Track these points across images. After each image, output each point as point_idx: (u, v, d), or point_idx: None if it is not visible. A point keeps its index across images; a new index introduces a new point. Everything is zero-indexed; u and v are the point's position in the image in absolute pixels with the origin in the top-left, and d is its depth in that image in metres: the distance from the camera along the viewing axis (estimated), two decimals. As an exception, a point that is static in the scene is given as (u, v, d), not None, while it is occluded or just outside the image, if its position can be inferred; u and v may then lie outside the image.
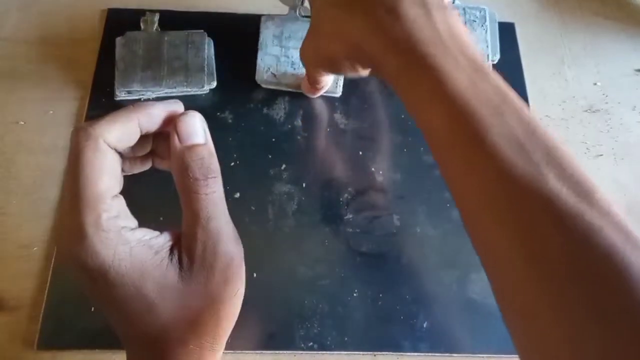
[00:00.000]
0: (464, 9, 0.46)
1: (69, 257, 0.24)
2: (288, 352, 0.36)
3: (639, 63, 0.49)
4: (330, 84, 0.42)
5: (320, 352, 0.36)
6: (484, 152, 0.24)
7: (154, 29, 0.46)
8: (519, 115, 0.25)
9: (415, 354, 0.36)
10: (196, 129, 0.26)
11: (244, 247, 0.28)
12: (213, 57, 0.45)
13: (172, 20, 0.47)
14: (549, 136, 0.25)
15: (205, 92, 0.44)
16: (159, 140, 0.29)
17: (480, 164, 0.25)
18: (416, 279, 0.39)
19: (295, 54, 0.44)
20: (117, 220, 0.24)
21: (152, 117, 0.26)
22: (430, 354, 0.36)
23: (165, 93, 0.44)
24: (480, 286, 0.38)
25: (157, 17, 0.46)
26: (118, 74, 0.43)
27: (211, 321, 0.25)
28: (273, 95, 0.45)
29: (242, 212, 0.40)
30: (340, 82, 0.44)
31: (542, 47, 0.50)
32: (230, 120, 0.44)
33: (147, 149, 0.29)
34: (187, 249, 0.25)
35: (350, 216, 0.40)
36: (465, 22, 0.45)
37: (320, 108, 0.45)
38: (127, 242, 0.24)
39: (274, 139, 0.43)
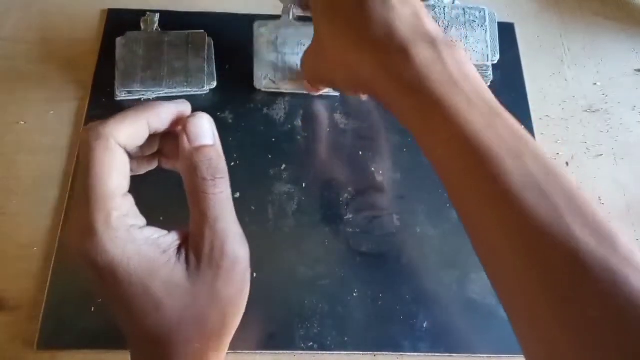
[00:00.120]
0: (463, 9, 0.46)
1: (79, 254, 0.24)
2: (288, 352, 0.36)
3: (639, 63, 0.49)
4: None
5: (320, 352, 0.36)
6: (503, 195, 0.24)
7: (154, 29, 0.46)
8: (536, 157, 0.25)
9: (415, 354, 0.36)
10: (205, 131, 0.26)
11: (244, 246, 0.28)
12: (213, 57, 0.45)
13: (172, 21, 0.47)
14: (567, 178, 0.25)
15: (205, 92, 0.44)
16: (166, 140, 0.29)
17: (499, 207, 0.25)
18: (416, 279, 0.39)
19: (292, 59, 0.44)
20: (126, 218, 0.24)
21: (160, 117, 0.26)
22: (430, 354, 0.36)
23: (166, 93, 0.44)
24: (480, 286, 0.38)
25: (157, 17, 0.46)
26: (118, 74, 0.43)
27: (217, 320, 0.26)
28: (273, 96, 0.45)
29: (242, 212, 0.40)
30: None
31: (541, 47, 0.50)
32: (230, 120, 0.44)
33: (155, 148, 0.29)
34: (195, 248, 0.25)
35: (350, 216, 0.40)
36: (465, 22, 0.45)
37: (320, 108, 0.45)
38: (136, 241, 0.24)
39: (274, 139, 0.43)
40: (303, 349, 0.36)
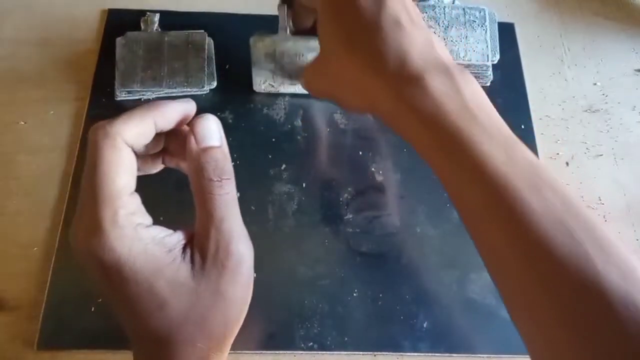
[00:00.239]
0: (463, 9, 0.46)
1: (85, 252, 0.24)
2: (288, 352, 0.36)
3: (639, 63, 0.49)
4: None
5: (320, 352, 0.36)
6: (524, 229, 0.24)
7: (154, 29, 0.46)
8: (554, 189, 0.25)
9: (415, 354, 0.36)
10: (212, 132, 0.27)
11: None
12: (213, 57, 0.45)
13: (172, 21, 0.47)
14: (586, 212, 0.25)
15: (205, 92, 0.44)
16: (171, 138, 0.29)
17: (521, 241, 0.24)
18: (416, 279, 0.39)
19: (292, 67, 0.43)
20: (133, 216, 0.24)
21: (166, 116, 0.27)
22: (430, 354, 0.36)
23: (166, 93, 0.44)
24: (480, 286, 0.38)
25: (157, 17, 0.46)
26: (118, 74, 0.43)
27: (220, 321, 0.26)
28: (273, 96, 0.45)
29: (242, 212, 0.39)
30: None
31: (541, 47, 0.50)
32: (230, 120, 0.44)
33: (160, 146, 0.29)
34: (200, 247, 0.25)
35: (350, 216, 0.40)
36: (465, 22, 0.45)
37: (320, 108, 0.45)
38: (142, 239, 0.24)
39: (274, 139, 0.43)
40: (303, 349, 0.36)
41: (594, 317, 0.22)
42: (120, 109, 0.43)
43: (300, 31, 0.41)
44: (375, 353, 0.37)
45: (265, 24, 0.48)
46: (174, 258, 0.25)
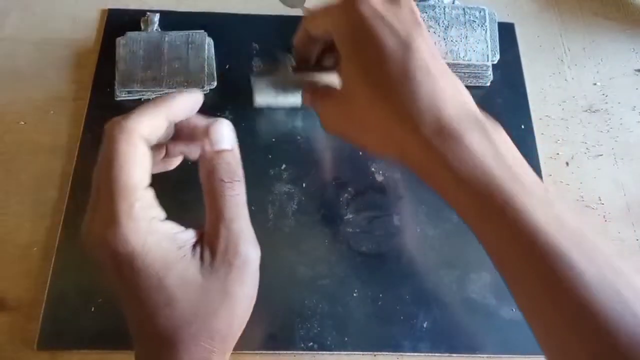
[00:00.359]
0: (463, 9, 0.46)
1: (99, 243, 0.24)
2: (288, 352, 0.36)
3: (639, 63, 0.49)
4: None
5: (320, 352, 0.36)
6: (572, 291, 0.24)
7: (154, 29, 0.46)
8: (601, 251, 0.25)
9: (415, 354, 0.36)
10: (225, 136, 0.28)
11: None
12: (213, 57, 0.45)
13: (172, 21, 0.47)
14: (634, 275, 0.24)
15: (205, 92, 0.44)
16: (179, 127, 0.30)
17: (568, 302, 0.24)
18: (416, 279, 0.39)
19: (294, 100, 0.42)
20: (148, 210, 0.25)
21: (178, 109, 0.28)
22: (430, 354, 0.36)
23: (166, 93, 0.44)
24: (480, 286, 0.38)
25: (157, 17, 0.46)
26: (118, 74, 0.43)
27: (225, 320, 0.26)
28: (273, 96, 0.45)
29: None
30: None
31: (541, 47, 0.50)
32: (230, 120, 0.44)
33: (169, 137, 0.29)
34: (210, 246, 0.26)
35: (350, 216, 0.40)
36: (465, 22, 0.45)
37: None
38: (156, 233, 0.25)
39: (274, 139, 0.43)
40: (303, 349, 0.36)
41: None
42: (120, 109, 0.44)
43: (303, 67, 0.38)
44: (375, 353, 0.37)
45: (265, 24, 0.49)
46: (184, 254, 0.25)
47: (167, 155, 0.31)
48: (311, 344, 0.36)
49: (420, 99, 0.28)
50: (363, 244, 0.40)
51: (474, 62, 0.44)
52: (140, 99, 0.44)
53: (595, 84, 0.48)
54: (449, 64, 0.44)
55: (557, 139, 0.45)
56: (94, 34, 0.47)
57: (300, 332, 0.36)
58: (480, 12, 0.46)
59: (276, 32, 0.48)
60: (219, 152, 0.27)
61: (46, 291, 0.37)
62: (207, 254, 0.26)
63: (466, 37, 0.45)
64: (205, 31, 0.45)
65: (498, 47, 0.45)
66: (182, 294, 0.25)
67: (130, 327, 0.26)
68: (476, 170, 0.26)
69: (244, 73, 0.45)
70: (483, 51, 0.45)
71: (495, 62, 0.45)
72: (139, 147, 0.25)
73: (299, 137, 0.43)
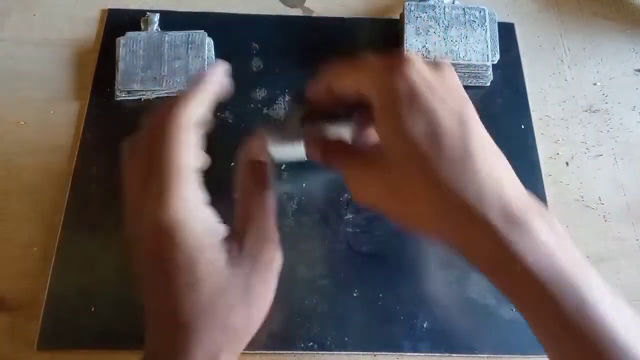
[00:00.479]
0: (463, 9, 0.46)
1: (145, 213, 0.25)
2: (288, 352, 0.36)
3: (639, 63, 0.49)
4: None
5: (320, 352, 0.36)
6: None
7: (154, 29, 0.46)
8: None
9: (415, 354, 0.36)
10: (258, 149, 0.30)
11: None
12: (213, 57, 0.45)
13: (172, 21, 0.47)
14: None
15: (205, 92, 0.44)
16: None
17: None
18: (416, 279, 0.39)
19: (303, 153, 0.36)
20: (196, 192, 0.26)
21: (219, 87, 0.29)
22: (430, 354, 0.36)
23: (166, 93, 0.44)
24: (480, 286, 0.38)
25: (157, 17, 0.46)
26: (118, 74, 0.43)
27: (242, 316, 0.26)
28: (273, 96, 0.45)
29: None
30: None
31: (541, 47, 0.50)
32: (230, 121, 0.44)
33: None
34: (238, 241, 0.27)
35: (350, 216, 0.40)
36: (465, 22, 0.45)
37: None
38: (199, 214, 0.26)
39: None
40: (303, 349, 0.36)
41: None
42: (120, 109, 0.44)
43: (312, 118, 0.33)
44: (375, 353, 0.37)
45: (265, 24, 0.49)
46: (217, 242, 0.26)
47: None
48: (311, 344, 0.36)
49: (483, 180, 0.25)
50: (363, 244, 0.40)
51: (474, 62, 0.44)
52: (140, 99, 0.44)
53: (595, 84, 0.48)
54: (449, 64, 0.44)
55: (557, 139, 0.45)
56: (94, 34, 0.48)
57: (300, 332, 0.36)
58: (480, 12, 0.46)
59: (276, 32, 0.48)
60: (255, 162, 0.30)
61: (46, 291, 0.37)
62: (234, 249, 0.27)
63: (466, 37, 0.45)
64: (205, 31, 0.45)
65: (498, 47, 0.45)
66: (208, 279, 0.25)
67: (147, 310, 0.27)
68: (547, 263, 0.24)
69: (244, 73, 0.46)
70: (483, 51, 0.45)
71: (495, 62, 0.45)
72: (191, 130, 0.26)
73: (299, 137, 0.43)
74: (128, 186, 0.27)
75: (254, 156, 0.30)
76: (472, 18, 0.46)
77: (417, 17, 0.45)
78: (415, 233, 0.28)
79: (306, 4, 0.50)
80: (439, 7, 0.46)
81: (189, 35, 0.45)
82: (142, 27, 0.46)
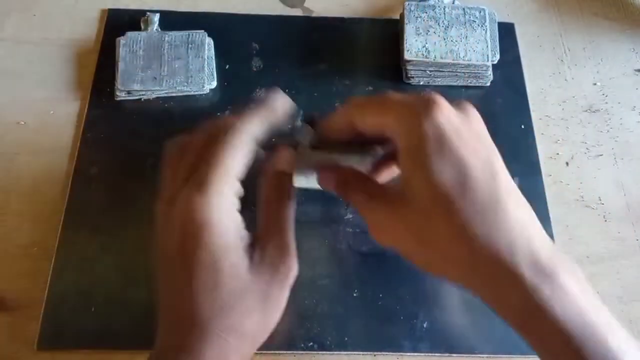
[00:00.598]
0: (463, 9, 0.46)
1: (181, 202, 0.26)
2: (288, 352, 0.36)
3: (639, 63, 0.49)
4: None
5: (320, 352, 0.36)
6: None
7: (154, 29, 0.46)
8: None
9: (415, 354, 0.36)
10: (285, 160, 0.31)
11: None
12: (213, 57, 0.45)
13: (172, 21, 0.47)
14: None
15: (205, 92, 0.44)
16: None
17: None
18: (416, 279, 0.39)
19: (314, 182, 0.34)
20: (234, 197, 0.27)
21: (278, 114, 0.30)
22: (430, 354, 0.36)
23: (166, 93, 0.44)
24: (480, 286, 0.38)
25: (157, 17, 0.46)
26: (118, 74, 0.43)
27: (256, 322, 0.27)
28: (273, 96, 0.45)
29: (243, 213, 0.40)
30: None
31: (541, 47, 0.50)
32: (230, 121, 0.44)
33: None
34: (261, 249, 0.28)
35: (350, 216, 0.40)
36: (465, 22, 0.45)
37: (320, 108, 0.45)
38: (231, 217, 0.27)
39: (273, 139, 0.43)
40: (303, 349, 0.36)
41: None
42: (120, 109, 0.44)
43: (324, 146, 0.32)
44: (375, 353, 0.37)
45: (265, 24, 0.49)
46: (242, 247, 0.27)
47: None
48: (311, 344, 0.36)
49: (514, 231, 0.25)
50: (363, 244, 0.40)
51: (474, 62, 0.44)
52: (140, 99, 0.44)
53: (595, 84, 0.48)
54: (448, 64, 0.44)
55: (557, 139, 0.45)
56: (94, 34, 0.48)
57: (300, 332, 0.36)
58: (480, 12, 0.46)
59: (276, 32, 0.48)
60: (279, 173, 0.30)
61: (46, 291, 0.37)
62: (257, 255, 0.27)
63: (466, 37, 0.45)
64: (205, 31, 0.45)
65: (498, 47, 0.45)
66: (229, 282, 0.26)
67: (162, 305, 0.27)
68: (574, 313, 0.24)
69: (244, 73, 0.46)
70: (483, 51, 0.45)
71: (495, 62, 0.45)
72: (248, 145, 0.28)
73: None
74: (168, 177, 0.28)
75: (281, 167, 0.31)
76: (472, 18, 0.46)
77: (417, 17, 0.45)
78: (437, 277, 0.28)
79: (306, 4, 0.50)
80: (439, 7, 0.46)
81: (189, 35, 0.45)
82: (142, 27, 0.46)
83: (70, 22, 0.48)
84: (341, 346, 0.36)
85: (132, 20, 0.47)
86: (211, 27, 0.46)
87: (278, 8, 0.50)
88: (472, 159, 0.25)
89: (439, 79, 0.46)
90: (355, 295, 0.38)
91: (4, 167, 0.41)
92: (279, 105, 0.30)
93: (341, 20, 0.49)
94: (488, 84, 0.46)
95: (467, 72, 0.45)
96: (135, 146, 0.42)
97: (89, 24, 0.48)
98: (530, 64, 0.48)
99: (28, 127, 0.43)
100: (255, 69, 0.46)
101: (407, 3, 0.46)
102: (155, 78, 0.43)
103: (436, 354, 0.37)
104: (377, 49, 0.48)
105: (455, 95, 0.46)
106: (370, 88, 0.46)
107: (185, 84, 0.44)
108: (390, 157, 0.32)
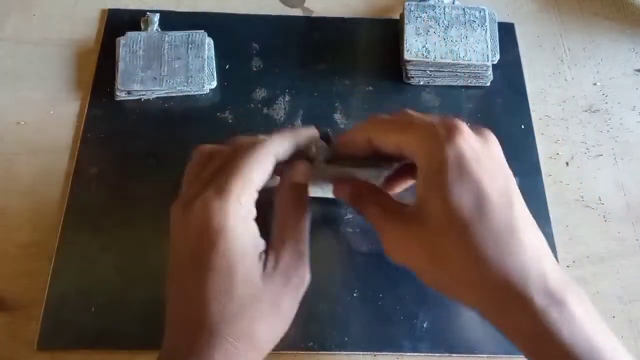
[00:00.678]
0: (463, 9, 0.46)
1: (200, 205, 0.27)
2: (288, 352, 0.36)
3: (639, 63, 0.49)
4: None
5: (320, 352, 0.36)
6: None
7: (154, 29, 0.46)
8: None
9: (415, 354, 0.36)
10: (302, 172, 0.31)
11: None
12: (213, 57, 0.45)
13: (172, 21, 0.47)
14: None
15: (205, 92, 0.44)
16: None
17: None
18: (416, 279, 0.39)
19: (322, 193, 0.36)
20: (251, 205, 0.28)
21: (302, 140, 0.31)
22: (430, 354, 0.36)
23: (166, 93, 0.44)
24: (480, 286, 0.38)
25: (157, 17, 0.46)
26: (118, 74, 0.43)
27: (266, 329, 0.27)
28: (273, 95, 0.45)
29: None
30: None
31: (541, 47, 0.50)
32: (230, 121, 0.44)
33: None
34: (275, 257, 0.28)
35: (350, 216, 0.40)
36: (465, 22, 0.45)
37: (320, 108, 0.45)
38: (247, 225, 0.28)
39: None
40: (303, 349, 0.36)
41: None
42: (120, 109, 0.44)
43: (338, 160, 0.33)
44: (375, 353, 0.37)
45: (265, 24, 0.49)
46: (256, 255, 0.28)
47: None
48: (311, 344, 0.36)
49: (527, 257, 0.26)
50: (363, 244, 0.40)
51: (474, 62, 0.44)
52: (140, 99, 0.44)
53: (595, 84, 0.48)
54: (449, 64, 0.44)
55: (557, 139, 0.45)
56: (94, 34, 0.48)
57: (300, 332, 0.36)
58: (480, 12, 0.46)
59: (276, 32, 0.48)
60: (295, 184, 0.31)
61: (46, 291, 0.37)
62: (270, 264, 0.28)
63: (466, 37, 0.45)
64: (205, 31, 0.45)
65: (498, 47, 0.45)
66: (242, 288, 0.26)
67: (172, 307, 0.27)
68: (581, 337, 0.25)
69: (244, 73, 0.46)
70: (483, 51, 0.45)
71: (495, 62, 0.45)
72: (270, 160, 0.29)
73: (299, 137, 0.43)
74: (189, 180, 0.29)
75: (297, 179, 0.31)
76: (472, 18, 0.46)
77: (417, 17, 0.45)
78: (447, 296, 0.29)
79: (306, 4, 0.50)
80: (439, 7, 0.46)
81: (189, 35, 0.45)
82: (142, 27, 0.46)
83: (70, 22, 0.48)
84: (341, 346, 0.36)
85: (132, 21, 0.47)
86: (211, 27, 0.46)
87: (278, 8, 0.50)
88: (490, 185, 0.26)
89: (439, 79, 0.46)
90: (355, 295, 0.38)
91: (4, 167, 0.41)
92: (305, 133, 0.32)
93: (341, 20, 0.49)
94: (488, 84, 0.46)
95: (467, 72, 0.45)
96: (135, 146, 0.42)
97: (89, 24, 0.48)
98: (530, 64, 0.48)
99: (28, 127, 0.43)
100: (255, 69, 0.46)
101: (407, 3, 0.46)
102: (155, 78, 0.43)
103: (436, 354, 0.37)
104: (377, 49, 0.48)
105: (455, 95, 0.46)
106: (370, 88, 0.46)
107: (185, 84, 0.44)
108: (402, 173, 0.34)
